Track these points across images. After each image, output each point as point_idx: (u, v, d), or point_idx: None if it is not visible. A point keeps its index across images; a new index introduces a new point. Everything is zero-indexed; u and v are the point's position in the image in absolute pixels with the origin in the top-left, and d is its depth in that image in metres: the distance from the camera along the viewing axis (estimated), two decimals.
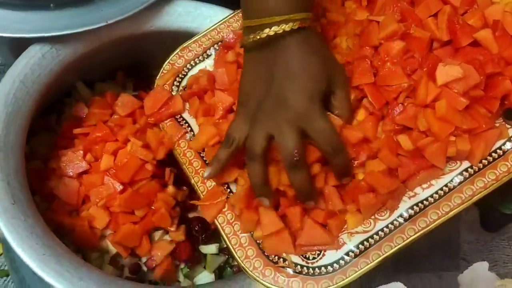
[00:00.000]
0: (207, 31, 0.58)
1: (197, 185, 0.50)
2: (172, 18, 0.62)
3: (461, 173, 0.43)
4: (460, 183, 0.43)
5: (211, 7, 0.63)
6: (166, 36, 0.62)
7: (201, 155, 0.51)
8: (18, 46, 0.56)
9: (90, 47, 0.58)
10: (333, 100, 0.45)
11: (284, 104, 0.42)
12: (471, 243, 0.90)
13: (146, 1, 0.58)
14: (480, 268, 0.38)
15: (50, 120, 0.61)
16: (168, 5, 0.62)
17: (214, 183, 0.49)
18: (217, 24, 0.58)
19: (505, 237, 0.92)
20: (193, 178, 0.50)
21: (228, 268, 0.59)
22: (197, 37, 0.57)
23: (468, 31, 0.45)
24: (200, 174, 0.50)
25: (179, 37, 0.62)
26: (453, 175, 0.44)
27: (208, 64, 0.57)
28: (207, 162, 0.50)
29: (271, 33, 0.41)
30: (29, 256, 0.44)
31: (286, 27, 0.41)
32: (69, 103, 0.63)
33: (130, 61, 0.68)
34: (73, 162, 0.54)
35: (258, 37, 0.42)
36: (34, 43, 0.54)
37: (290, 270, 0.44)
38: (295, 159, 0.40)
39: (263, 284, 0.44)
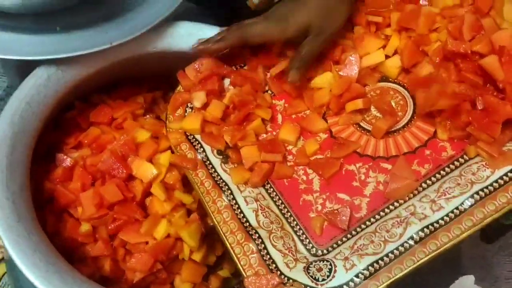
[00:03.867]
0: None
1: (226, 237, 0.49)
2: (175, 39, 0.63)
3: (472, 196, 0.44)
4: (471, 206, 0.43)
5: (212, 28, 0.65)
6: (169, 57, 0.64)
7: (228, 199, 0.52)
8: (25, 68, 0.57)
9: (95, 68, 0.60)
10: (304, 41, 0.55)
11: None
12: (473, 258, 0.90)
13: (150, 23, 0.60)
14: (467, 281, 0.39)
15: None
16: (170, 27, 0.63)
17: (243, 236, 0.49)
18: None
19: (506, 253, 0.92)
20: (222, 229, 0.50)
21: None
22: None
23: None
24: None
25: (182, 58, 0.64)
26: (463, 198, 0.44)
27: None
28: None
29: None
30: (32, 273, 0.44)
31: None
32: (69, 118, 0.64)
33: (133, 81, 0.70)
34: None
35: None
36: (40, 65, 0.56)
37: None
38: None
39: None
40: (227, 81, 0.61)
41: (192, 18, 0.66)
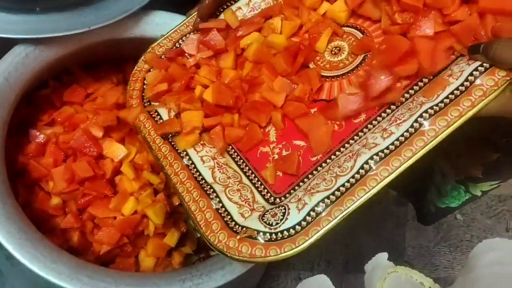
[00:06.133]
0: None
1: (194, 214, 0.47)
2: (150, 27, 0.67)
3: (420, 116, 0.41)
4: (420, 126, 0.41)
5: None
6: (144, 43, 0.67)
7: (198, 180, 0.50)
8: (1, 45, 0.59)
9: (71, 49, 0.62)
10: None
11: None
12: (415, 247, 0.97)
13: (127, 10, 0.63)
14: (381, 257, 0.43)
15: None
16: (146, 15, 0.66)
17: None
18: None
19: (446, 244, 0.99)
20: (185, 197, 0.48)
21: None
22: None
23: None
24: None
25: None
26: (412, 120, 0.42)
27: None
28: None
29: None
30: (6, 239, 0.47)
31: None
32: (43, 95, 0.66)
33: (108, 64, 0.73)
34: None
35: None
36: (19, 43, 0.58)
37: (253, 239, 0.42)
38: None
39: (227, 256, 0.43)
40: None
41: (166, 5, 0.69)
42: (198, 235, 0.70)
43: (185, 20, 0.62)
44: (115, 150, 0.61)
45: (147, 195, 0.60)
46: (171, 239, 0.61)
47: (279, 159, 0.49)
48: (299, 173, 0.47)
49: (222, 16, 0.61)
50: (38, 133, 0.61)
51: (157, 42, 0.62)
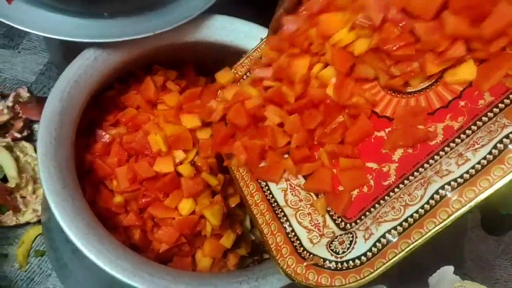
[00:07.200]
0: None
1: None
2: (210, 31, 0.68)
3: (500, 141, 0.37)
4: (500, 152, 0.36)
5: (245, 23, 0.69)
6: (204, 47, 0.69)
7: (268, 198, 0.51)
8: (68, 48, 0.62)
9: (136, 52, 0.64)
10: None
11: None
12: (474, 260, 0.93)
13: (190, 15, 0.64)
14: (446, 270, 0.41)
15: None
16: (207, 20, 0.68)
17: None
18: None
19: (507, 257, 0.95)
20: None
21: None
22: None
23: None
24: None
25: (215, 49, 0.69)
26: (492, 145, 0.37)
27: None
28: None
29: None
30: (75, 234, 0.49)
31: None
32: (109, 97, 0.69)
33: (168, 67, 0.75)
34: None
35: None
36: (87, 47, 0.61)
37: (320, 266, 0.42)
38: None
39: (294, 281, 0.43)
40: None
41: (228, 7, 0.70)
42: (253, 237, 0.70)
43: (265, 38, 0.63)
44: (174, 152, 0.62)
45: (205, 196, 0.61)
46: (227, 240, 0.62)
47: (331, 193, 0.48)
48: (348, 213, 0.46)
49: None
50: (103, 133, 0.63)
51: (239, 62, 0.64)
